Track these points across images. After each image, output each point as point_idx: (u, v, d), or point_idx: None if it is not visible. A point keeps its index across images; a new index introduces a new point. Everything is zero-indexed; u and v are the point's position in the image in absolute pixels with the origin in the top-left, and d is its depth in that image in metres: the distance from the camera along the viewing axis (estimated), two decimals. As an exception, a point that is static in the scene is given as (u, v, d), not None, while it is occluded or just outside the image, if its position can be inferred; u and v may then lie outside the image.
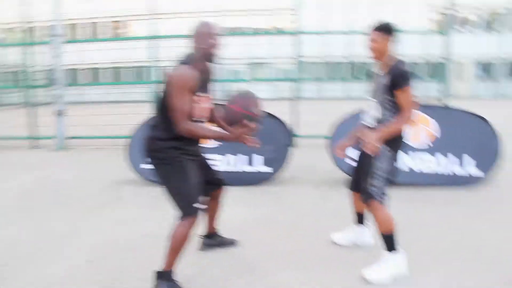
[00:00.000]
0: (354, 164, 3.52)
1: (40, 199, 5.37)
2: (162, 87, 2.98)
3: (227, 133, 3.06)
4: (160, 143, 2.99)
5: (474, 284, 3.03)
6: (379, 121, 3.19)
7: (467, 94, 29.05)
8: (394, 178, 3.20)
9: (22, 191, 5.76)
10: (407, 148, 5.38)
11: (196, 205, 2.97)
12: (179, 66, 2.93)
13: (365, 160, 3.21)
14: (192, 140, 3.03)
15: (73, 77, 28.96)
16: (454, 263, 3.36)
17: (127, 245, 3.82)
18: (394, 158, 3.16)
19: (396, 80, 3.04)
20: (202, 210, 3.04)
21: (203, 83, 2.99)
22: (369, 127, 3.28)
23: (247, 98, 3.02)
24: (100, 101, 26.85)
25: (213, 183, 3.41)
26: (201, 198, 3.05)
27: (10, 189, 5.88)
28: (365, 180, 3.15)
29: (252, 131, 2.98)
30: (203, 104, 3.02)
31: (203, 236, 3.70)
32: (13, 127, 10.93)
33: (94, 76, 32.38)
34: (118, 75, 32.23)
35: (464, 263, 3.34)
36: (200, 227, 3.28)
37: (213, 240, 3.72)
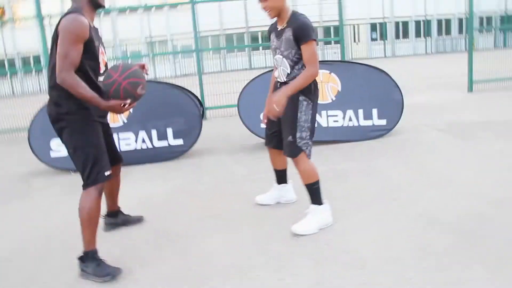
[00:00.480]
0: (272, 120, 3.44)
1: None
2: (52, 43, 2.74)
3: (102, 100, 2.71)
4: (69, 104, 2.75)
5: (392, 224, 3.20)
6: (289, 76, 3.19)
7: (363, 56, 30.60)
8: (314, 128, 3.25)
9: None
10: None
11: (103, 172, 2.83)
12: (68, 14, 2.69)
13: (286, 116, 3.18)
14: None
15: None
16: (373, 207, 3.53)
17: (46, 234, 3.62)
18: (313, 107, 3.20)
19: (300, 33, 3.04)
20: (107, 179, 2.89)
21: (96, 34, 2.83)
22: (281, 83, 3.30)
23: (128, 70, 2.80)
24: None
25: (114, 157, 3.20)
26: (107, 167, 2.89)
27: None
28: (291, 134, 3.16)
29: (124, 107, 2.79)
30: (102, 55, 2.87)
31: (105, 215, 3.52)
32: None
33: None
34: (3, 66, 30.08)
35: (382, 207, 3.53)
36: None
37: (116, 218, 3.57)
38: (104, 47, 2.99)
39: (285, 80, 3.23)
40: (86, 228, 2.80)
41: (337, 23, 9.34)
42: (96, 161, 2.81)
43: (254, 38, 30.33)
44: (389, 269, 2.56)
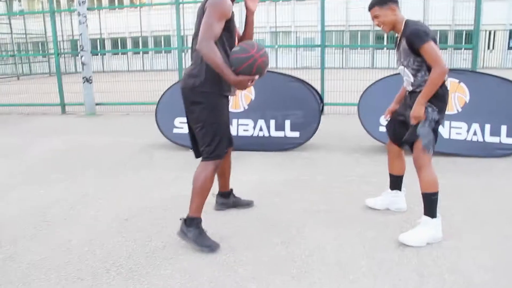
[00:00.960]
0: (397, 115, 3.45)
1: (73, 162, 5.48)
2: (197, 19, 2.95)
3: (231, 72, 2.82)
4: (204, 81, 2.93)
5: (509, 251, 3.00)
6: (414, 85, 3.17)
7: (495, 65, 28.34)
8: (437, 135, 3.16)
9: (56, 155, 5.89)
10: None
11: (225, 148, 3.01)
12: None
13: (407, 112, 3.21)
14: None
15: (96, 46, 29.14)
16: (492, 230, 3.33)
17: (161, 205, 3.90)
18: (439, 113, 3.10)
19: (413, 40, 3.00)
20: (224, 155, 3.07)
21: (234, 17, 3.00)
22: (409, 92, 3.28)
23: (263, 49, 2.91)
24: (122, 70, 27.23)
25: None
26: (231, 142, 3.09)
27: (45, 152, 6.02)
28: (412, 131, 3.12)
29: (252, 83, 2.88)
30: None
31: (217, 194, 3.71)
32: (42, 94, 11.09)
33: (116, 45, 32.54)
34: (139, 44, 32.38)
35: (503, 230, 3.31)
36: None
37: (228, 199, 3.73)
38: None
39: (412, 89, 3.19)
40: (197, 196, 3.00)
41: (470, 28, 8.76)
42: (223, 138, 2.99)
43: (379, 37, 29.53)
44: (500, 298, 2.43)
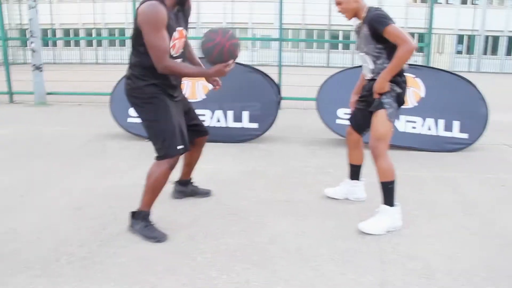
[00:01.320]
0: (358, 104, 3.46)
1: (23, 151, 5.22)
2: (133, 24, 2.82)
3: (205, 69, 2.87)
4: (138, 81, 2.86)
5: (465, 239, 3.06)
6: (373, 72, 3.18)
7: (444, 68, 29.32)
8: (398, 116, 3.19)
9: (3, 144, 5.59)
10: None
11: (174, 146, 2.89)
12: (144, 3, 2.73)
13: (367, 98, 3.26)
14: (170, 79, 2.93)
15: (47, 36, 28.18)
16: (446, 219, 3.39)
17: (115, 193, 3.76)
18: (403, 87, 3.15)
19: (375, 24, 3.01)
20: (182, 153, 2.96)
21: (175, 19, 2.85)
22: (368, 80, 3.29)
23: (228, 33, 2.82)
24: (74, 62, 26.50)
25: (197, 130, 3.33)
26: (184, 141, 2.96)
27: (-10, 141, 5.72)
28: (378, 102, 3.13)
29: (229, 67, 2.79)
30: (179, 40, 2.90)
31: (176, 182, 3.66)
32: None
33: (67, 36, 31.60)
34: (91, 36, 31.53)
35: (456, 220, 3.37)
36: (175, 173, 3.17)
37: (186, 187, 3.68)
38: (186, 30, 3.01)
39: (371, 76, 3.21)
40: (148, 194, 2.94)
41: (422, 31, 9.00)
42: (166, 136, 2.87)
43: (334, 37, 29.98)
44: (457, 285, 2.44)
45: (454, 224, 3.28)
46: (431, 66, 6.25)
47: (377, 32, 3.00)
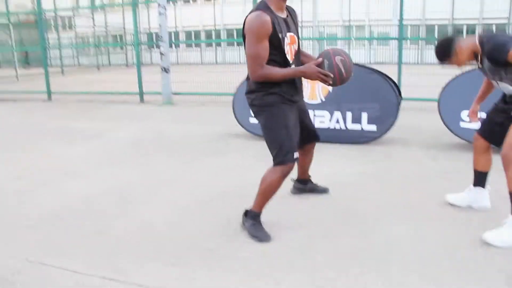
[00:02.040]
0: (495, 115, 3.31)
1: (152, 148, 5.72)
2: (243, 35, 2.93)
3: (296, 68, 2.93)
4: (257, 91, 2.97)
5: None
6: None
7: None
8: None
9: (134, 140, 6.17)
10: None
11: (290, 154, 2.97)
12: (252, 13, 2.84)
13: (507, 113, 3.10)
14: (295, 82, 3.01)
15: (171, 39, 30.00)
16: None
17: (237, 191, 3.97)
18: None
19: (497, 56, 2.83)
20: (296, 160, 3.02)
21: (283, 25, 2.90)
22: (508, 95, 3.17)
23: (343, 52, 2.88)
24: (195, 63, 27.92)
25: (308, 136, 3.40)
26: (296, 148, 3.04)
27: (124, 138, 6.33)
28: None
29: (328, 79, 2.82)
30: (290, 45, 2.95)
31: (295, 180, 3.81)
32: (121, 83, 11.61)
33: (190, 38, 33.40)
34: (212, 37, 32.98)
35: None
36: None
37: (305, 185, 3.83)
38: (297, 33, 3.06)
39: None
40: (260, 196, 3.08)
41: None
42: (283, 144, 2.96)
43: (457, 31, 28.33)
44: None
45: None
46: None
47: (499, 60, 2.85)
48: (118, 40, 31.14)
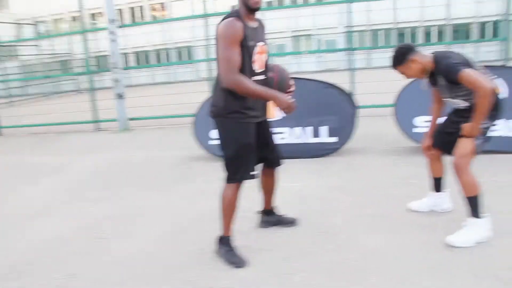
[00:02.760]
0: (446, 127, 3.47)
1: (116, 178, 5.65)
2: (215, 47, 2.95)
3: (273, 92, 2.89)
4: (220, 105, 2.97)
5: None
6: (469, 101, 3.16)
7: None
8: (487, 141, 3.20)
9: (97, 172, 6.07)
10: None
11: (246, 174, 3.04)
12: (223, 20, 2.87)
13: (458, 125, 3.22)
14: (254, 103, 3.00)
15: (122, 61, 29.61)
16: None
17: (208, 217, 3.97)
18: (493, 120, 3.15)
19: (449, 75, 3.04)
20: (250, 179, 3.08)
21: (254, 35, 2.94)
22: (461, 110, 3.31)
23: (283, 71, 3.04)
24: (146, 83, 27.67)
25: (271, 159, 3.37)
26: (253, 168, 3.09)
27: (86, 170, 6.21)
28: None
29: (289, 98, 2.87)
30: (260, 55, 2.98)
31: (261, 212, 3.68)
32: (74, 112, 11.39)
33: (139, 59, 33.10)
34: (161, 57, 32.79)
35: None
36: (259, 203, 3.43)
37: (271, 217, 3.68)
38: (266, 45, 3.10)
39: (468, 105, 3.20)
40: (224, 216, 3.13)
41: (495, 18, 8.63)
42: (240, 162, 3.03)
43: (401, 35, 29.31)
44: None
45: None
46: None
47: (452, 79, 3.04)
48: (66, 66, 30.51)
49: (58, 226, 4.11)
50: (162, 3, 33.67)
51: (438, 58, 3.13)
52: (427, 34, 28.40)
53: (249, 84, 2.83)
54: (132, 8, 33.92)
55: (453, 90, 3.15)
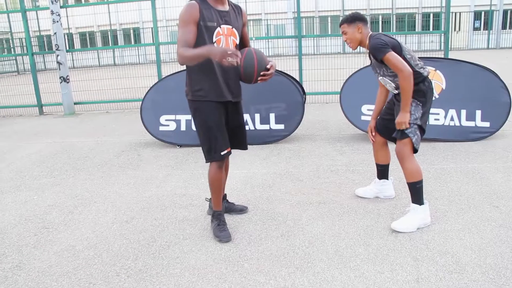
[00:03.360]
0: (385, 114, 3.66)
1: (62, 165, 5.50)
2: None
3: (206, 46, 2.90)
4: (190, 86, 3.14)
5: (493, 232, 3.21)
6: (397, 88, 3.37)
7: (462, 46, 29.12)
8: (425, 126, 3.35)
9: (43, 158, 5.89)
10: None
11: (216, 154, 3.15)
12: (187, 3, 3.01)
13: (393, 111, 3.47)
14: (214, 84, 3.07)
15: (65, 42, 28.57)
16: (474, 212, 3.54)
17: (158, 204, 4.00)
18: (424, 107, 3.31)
19: (376, 54, 3.23)
20: (223, 157, 3.19)
21: (218, 17, 3.03)
22: (394, 94, 3.52)
23: (252, 53, 3.01)
24: (92, 65, 26.87)
25: (236, 143, 3.41)
26: (223, 147, 3.16)
27: (31, 156, 6.01)
28: (402, 131, 3.30)
29: (236, 58, 2.74)
30: (226, 37, 3.08)
31: (210, 199, 3.69)
32: (17, 95, 10.95)
33: (84, 40, 32.03)
34: (108, 39, 31.89)
35: (484, 213, 3.52)
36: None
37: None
38: (239, 29, 3.19)
39: (398, 92, 3.40)
40: (212, 192, 3.29)
41: (437, 10, 8.95)
42: (211, 142, 3.15)
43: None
44: (489, 278, 2.61)
45: (481, 217, 3.44)
46: (450, 58, 6.30)
47: (379, 58, 3.22)
48: (4, 44, 29.13)
49: (2, 215, 3.99)
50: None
51: (372, 38, 3.31)
52: (373, 23, 29.05)
53: (186, 51, 2.91)
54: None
55: (381, 68, 3.37)
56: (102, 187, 4.59)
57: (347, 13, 27.94)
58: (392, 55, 3.16)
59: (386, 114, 3.64)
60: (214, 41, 3.04)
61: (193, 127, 5.83)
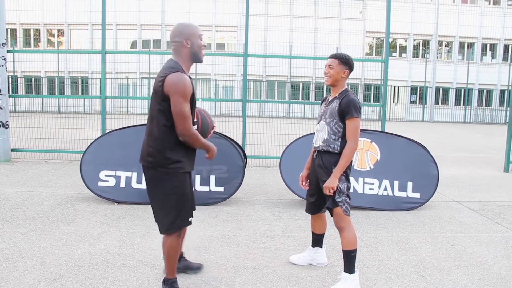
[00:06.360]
0: (312, 189, 3.80)
1: (-9, 216, 5.27)
2: (155, 95, 3.03)
3: (210, 145, 3.25)
4: (165, 155, 3.06)
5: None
6: (324, 142, 3.53)
7: (400, 117, 30.81)
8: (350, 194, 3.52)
9: (-30, 207, 5.63)
10: (352, 171, 5.74)
11: (186, 220, 3.19)
12: (172, 73, 2.98)
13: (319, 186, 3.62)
14: (192, 155, 3.23)
15: (9, 84, 27.84)
16: (402, 281, 3.70)
17: (90, 263, 3.89)
18: (347, 178, 3.50)
19: (347, 108, 3.40)
20: (188, 225, 3.25)
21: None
22: (318, 151, 3.63)
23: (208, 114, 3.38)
24: (36, 111, 26.16)
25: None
26: (191, 214, 3.26)
27: (-43, 205, 5.73)
28: (331, 199, 3.45)
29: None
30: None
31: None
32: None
33: (29, 84, 31.33)
34: (55, 84, 31.39)
35: (411, 282, 3.69)
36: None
37: (178, 263, 3.69)
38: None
39: (320, 144, 3.56)
40: (167, 260, 3.24)
41: (377, 83, 9.54)
42: (182, 210, 3.16)
43: (294, 87, 31.04)
44: None
45: (408, 286, 3.59)
46: (386, 131, 6.67)
47: (344, 114, 3.39)
48: None
49: None
50: (60, 29, 32.60)
51: (351, 93, 3.48)
52: (319, 89, 30.29)
53: (199, 136, 3.12)
54: (27, 30, 32.45)
55: (332, 118, 3.48)
56: (32, 241, 4.41)
57: (293, 80, 28.95)
58: (358, 123, 3.37)
59: (311, 196, 3.79)
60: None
61: (142, 192, 5.79)
